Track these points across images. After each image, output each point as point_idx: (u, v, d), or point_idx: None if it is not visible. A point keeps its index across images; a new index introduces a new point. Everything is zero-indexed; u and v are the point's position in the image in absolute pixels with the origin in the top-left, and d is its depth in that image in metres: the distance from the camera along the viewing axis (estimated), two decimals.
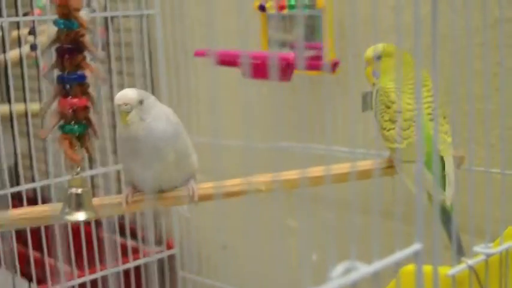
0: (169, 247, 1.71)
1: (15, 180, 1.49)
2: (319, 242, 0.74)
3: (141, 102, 0.98)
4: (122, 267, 1.60)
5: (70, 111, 0.88)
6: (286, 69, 1.22)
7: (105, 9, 1.63)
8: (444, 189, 1.04)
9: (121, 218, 1.69)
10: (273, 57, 1.22)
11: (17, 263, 1.46)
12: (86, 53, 0.89)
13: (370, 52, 1.12)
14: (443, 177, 1.05)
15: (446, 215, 1.05)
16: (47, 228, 1.48)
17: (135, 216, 1.75)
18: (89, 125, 0.91)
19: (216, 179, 1.55)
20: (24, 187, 1.45)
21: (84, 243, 1.54)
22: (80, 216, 0.91)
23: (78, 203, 0.91)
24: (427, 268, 0.76)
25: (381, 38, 1.28)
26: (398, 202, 1.12)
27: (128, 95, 0.97)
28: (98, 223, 1.58)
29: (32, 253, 1.48)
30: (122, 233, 1.65)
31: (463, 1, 1.15)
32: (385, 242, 0.68)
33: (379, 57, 1.12)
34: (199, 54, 1.33)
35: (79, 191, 0.91)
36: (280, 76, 1.24)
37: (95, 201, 1.05)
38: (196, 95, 1.64)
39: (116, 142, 1.04)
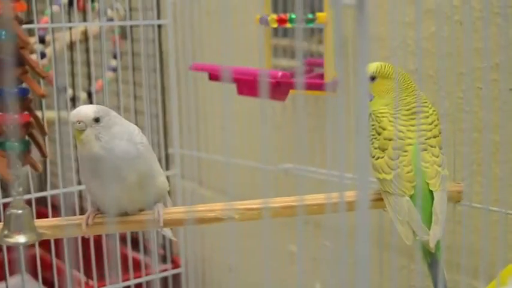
0: (175, 266, 1.65)
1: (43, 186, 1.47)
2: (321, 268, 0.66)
3: (97, 120, 0.92)
4: (132, 282, 1.56)
5: (10, 127, 0.82)
6: (277, 87, 1.14)
7: (124, 18, 1.59)
8: (429, 229, 0.94)
9: (135, 232, 1.65)
10: (263, 75, 1.14)
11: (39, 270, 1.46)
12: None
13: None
14: (430, 214, 0.95)
15: (430, 257, 0.94)
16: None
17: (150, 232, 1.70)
18: (33, 141, 0.85)
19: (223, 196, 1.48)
20: (49, 193, 1.45)
21: (105, 255, 1.51)
22: (20, 238, 0.86)
23: (19, 225, 0.85)
24: None
25: (386, 56, 1.19)
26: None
27: (82, 112, 0.91)
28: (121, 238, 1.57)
29: (54, 261, 1.47)
30: (135, 247, 1.62)
31: (478, 22, 1.05)
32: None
33: (373, 78, 1.02)
34: (196, 68, 1.27)
35: (19, 212, 0.85)
36: (272, 95, 1.16)
37: (55, 221, 1.00)
38: (204, 108, 1.58)
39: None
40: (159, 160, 1.61)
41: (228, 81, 1.12)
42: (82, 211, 1.55)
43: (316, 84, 1.20)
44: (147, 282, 1.59)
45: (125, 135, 0.94)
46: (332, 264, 0.64)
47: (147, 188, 0.97)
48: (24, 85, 0.83)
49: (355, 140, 0.58)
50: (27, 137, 0.85)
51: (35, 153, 0.88)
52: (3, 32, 0.80)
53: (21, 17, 0.81)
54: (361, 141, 0.58)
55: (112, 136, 0.93)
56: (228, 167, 1.26)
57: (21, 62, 0.82)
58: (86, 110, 0.91)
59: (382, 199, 1.00)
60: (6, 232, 0.86)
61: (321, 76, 1.23)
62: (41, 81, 1.42)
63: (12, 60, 0.81)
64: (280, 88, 1.15)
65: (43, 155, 0.87)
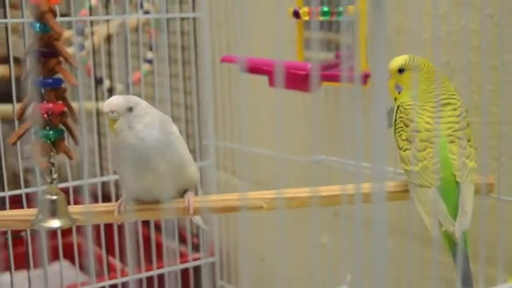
0: (209, 255, 1.68)
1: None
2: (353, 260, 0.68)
3: (130, 109, 0.94)
4: (166, 270, 1.60)
5: (45, 116, 0.85)
6: (305, 79, 1.15)
7: (159, 11, 1.62)
8: (455, 220, 0.95)
9: (170, 221, 1.68)
10: (289, 67, 1.16)
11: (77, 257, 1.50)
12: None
13: (394, 64, 1.04)
14: (457, 205, 0.95)
15: (456, 248, 0.95)
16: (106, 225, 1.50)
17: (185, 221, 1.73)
18: (67, 130, 0.88)
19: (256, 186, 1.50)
20: (86, 181, 1.48)
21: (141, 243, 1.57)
22: (54, 223, 0.89)
23: (53, 211, 0.89)
24: None
25: (418, 49, 1.19)
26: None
27: (114, 102, 0.94)
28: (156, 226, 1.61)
29: (91, 248, 1.51)
30: (170, 235, 1.65)
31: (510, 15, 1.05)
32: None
33: (402, 71, 1.03)
34: (226, 60, 1.28)
35: (53, 198, 0.89)
36: (302, 86, 1.17)
37: (89, 207, 1.03)
38: (237, 100, 1.60)
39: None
40: (194, 151, 1.65)
41: (258, 73, 1.14)
42: (118, 200, 1.59)
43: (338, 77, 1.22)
44: (181, 270, 1.62)
45: (156, 125, 0.97)
46: (360, 255, 0.65)
47: (177, 176, 1.00)
48: (58, 76, 0.87)
49: (372, 132, 0.59)
50: (61, 126, 0.88)
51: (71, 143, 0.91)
52: (38, 25, 0.84)
53: (55, 10, 0.84)
54: (377, 132, 0.59)
55: (144, 125, 0.95)
56: (264, 159, 1.27)
57: (55, 53, 0.85)
58: (118, 100, 0.94)
59: (407, 191, 1.01)
60: (40, 217, 0.89)
61: (352, 69, 1.24)
62: (79, 72, 1.47)
63: (46, 51, 0.85)
64: (310, 80, 1.17)
65: (76, 143, 0.90)
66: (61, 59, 0.85)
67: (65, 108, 0.87)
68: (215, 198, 1.04)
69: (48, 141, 0.87)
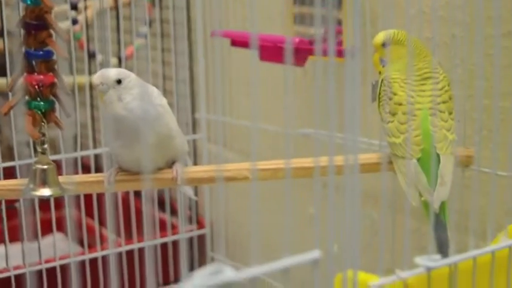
0: (200, 226, 1.71)
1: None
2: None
3: (118, 81, 0.97)
4: (158, 241, 1.63)
5: (36, 87, 0.88)
6: (295, 53, 1.18)
7: None
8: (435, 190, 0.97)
9: (162, 193, 1.72)
10: (282, 42, 1.18)
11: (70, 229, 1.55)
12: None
13: (378, 38, 1.06)
14: (437, 177, 0.98)
15: (435, 218, 0.98)
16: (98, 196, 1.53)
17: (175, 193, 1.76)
18: (57, 101, 0.91)
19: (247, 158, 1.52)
20: (79, 154, 1.51)
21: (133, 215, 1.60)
22: (45, 192, 0.92)
23: (43, 180, 0.91)
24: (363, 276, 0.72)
25: (403, 24, 1.21)
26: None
27: (103, 74, 0.96)
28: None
29: (84, 219, 1.56)
30: (162, 207, 1.68)
31: None
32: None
33: (387, 45, 1.05)
34: (217, 35, 1.31)
35: (44, 167, 0.91)
36: (291, 60, 1.19)
37: (79, 177, 1.06)
38: (229, 75, 1.62)
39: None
40: (186, 124, 1.67)
41: (256, 48, 1.16)
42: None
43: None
44: (173, 242, 1.66)
45: (145, 97, 0.99)
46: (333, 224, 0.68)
47: (166, 148, 1.02)
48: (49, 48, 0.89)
49: (345, 104, 0.62)
50: (51, 97, 0.91)
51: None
52: None
53: None
54: (350, 104, 0.62)
55: (133, 97, 0.97)
56: (252, 131, 1.30)
57: (46, 26, 0.87)
58: (107, 73, 0.96)
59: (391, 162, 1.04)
60: (31, 186, 0.92)
61: (340, 43, 1.26)
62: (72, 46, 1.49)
63: (37, 24, 0.87)
64: (298, 54, 1.19)
65: (66, 114, 0.92)
66: (51, 31, 0.87)
67: (55, 80, 0.89)
68: (202, 169, 1.07)
69: (39, 112, 0.89)
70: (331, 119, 0.62)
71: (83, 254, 1.54)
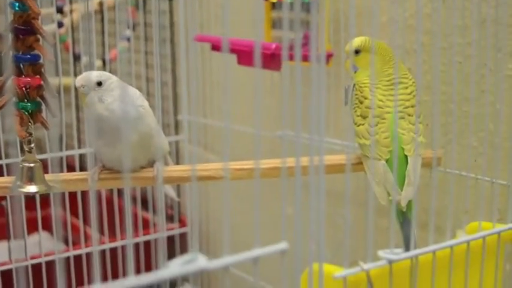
0: (182, 225, 1.76)
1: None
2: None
3: (99, 84, 1.01)
4: (141, 239, 1.68)
5: (23, 89, 0.92)
6: (272, 58, 1.23)
7: None
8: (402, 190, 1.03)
9: (145, 192, 1.76)
10: (257, 46, 1.23)
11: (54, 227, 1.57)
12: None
13: (350, 45, 1.11)
14: (404, 177, 1.04)
15: (402, 216, 1.03)
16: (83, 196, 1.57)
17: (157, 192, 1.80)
18: (43, 102, 0.95)
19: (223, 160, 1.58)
20: (64, 153, 1.54)
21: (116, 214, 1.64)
22: (32, 188, 0.96)
23: (30, 177, 0.96)
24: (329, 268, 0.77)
25: (375, 32, 1.26)
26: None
27: (84, 77, 1.01)
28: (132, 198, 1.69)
29: (69, 218, 1.59)
30: (145, 206, 1.73)
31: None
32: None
33: (357, 52, 1.11)
34: (199, 39, 1.36)
35: (31, 165, 0.96)
36: (267, 65, 1.25)
37: (64, 176, 1.10)
38: (210, 78, 1.67)
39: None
40: (168, 126, 1.72)
41: (228, 52, 1.21)
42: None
43: (305, 56, 1.29)
44: (156, 240, 1.70)
45: (126, 98, 1.03)
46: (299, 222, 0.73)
47: (146, 147, 1.07)
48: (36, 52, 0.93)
49: (310, 106, 0.67)
50: (38, 99, 0.95)
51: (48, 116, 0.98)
52: (17, 4, 0.90)
53: None
54: (316, 107, 0.67)
55: (114, 98, 1.02)
56: (227, 132, 1.35)
57: (33, 31, 0.92)
58: (88, 75, 1.01)
59: (361, 163, 1.10)
60: (18, 183, 0.96)
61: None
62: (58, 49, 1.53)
63: (25, 29, 0.92)
64: (275, 59, 1.24)
65: (52, 115, 0.97)
66: (39, 36, 0.92)
67: (42, 82, 0.94)
68: (180, 168, 1.12)
69: (26, 113, 0.94)
70: (298, 120, 0.67)
71: (67, 251, 1.58)
